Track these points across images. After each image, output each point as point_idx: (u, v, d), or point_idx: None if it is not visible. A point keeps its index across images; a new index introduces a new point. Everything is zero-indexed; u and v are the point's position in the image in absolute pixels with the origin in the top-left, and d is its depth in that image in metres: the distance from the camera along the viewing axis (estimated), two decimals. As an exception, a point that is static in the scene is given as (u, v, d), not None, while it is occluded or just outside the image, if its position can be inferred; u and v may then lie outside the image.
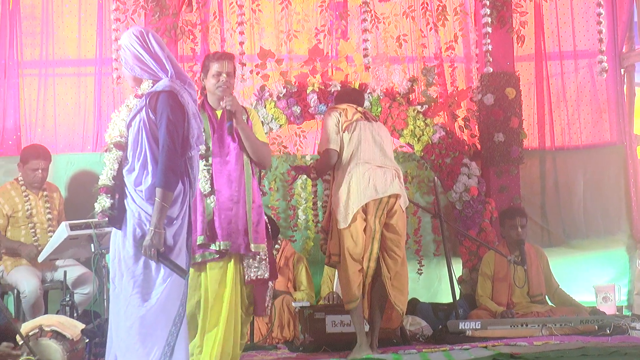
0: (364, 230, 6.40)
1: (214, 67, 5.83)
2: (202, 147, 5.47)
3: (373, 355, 6.35)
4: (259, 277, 5.65)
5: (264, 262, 5.69)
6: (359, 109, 6.72)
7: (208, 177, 5.62)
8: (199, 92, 5.91)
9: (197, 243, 5.50)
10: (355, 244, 6.38)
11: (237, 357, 5.67)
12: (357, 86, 8.42)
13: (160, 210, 4.58)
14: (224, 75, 5.79)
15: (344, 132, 6.53)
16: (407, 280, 6.58)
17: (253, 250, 5.63)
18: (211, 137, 5.71)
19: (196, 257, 5.50)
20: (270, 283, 5.80)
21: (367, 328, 6.59)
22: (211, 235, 5.56)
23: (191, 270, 5.18)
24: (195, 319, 5.57)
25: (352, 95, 7.05)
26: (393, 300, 6.43)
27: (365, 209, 6.39)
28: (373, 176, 6.41)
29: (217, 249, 5.55)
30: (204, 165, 5.62)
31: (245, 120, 5.82)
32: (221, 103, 5.74)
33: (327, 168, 6.61)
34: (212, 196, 5.60)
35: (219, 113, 5.81)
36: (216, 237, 5.57)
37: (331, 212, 6.52)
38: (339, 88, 8.31)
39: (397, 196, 6.43)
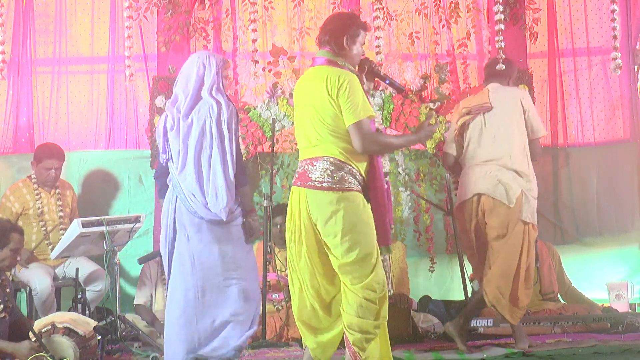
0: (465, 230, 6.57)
1: (363, 35, 5.34)
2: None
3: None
4: None
5: None
6: (465, 108, 6.70)
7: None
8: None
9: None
10: (468, 241, 6.62)
11: None
12: None
13: None
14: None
15: (456, 140, 6.70)
16: (506, 269, 6.42)
17: None
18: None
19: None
20: None
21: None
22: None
23: None
24: None
25: (489, 69, 6.98)
26: (484, 287, 6.45)
27: (461, 209, 6.57)
28: (467, 177, 6.51)
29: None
30: None
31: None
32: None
33: (449, 169, 7.01)
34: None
35: None
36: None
37: None
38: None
39: (484, 194, 6.42)
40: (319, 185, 5.00)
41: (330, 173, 5.00)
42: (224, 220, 5.64)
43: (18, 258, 6.09)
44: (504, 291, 6.40)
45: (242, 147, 7.94)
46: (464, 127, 6.64)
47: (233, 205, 5.69)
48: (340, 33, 5.22)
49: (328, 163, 5.02)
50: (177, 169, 5.69)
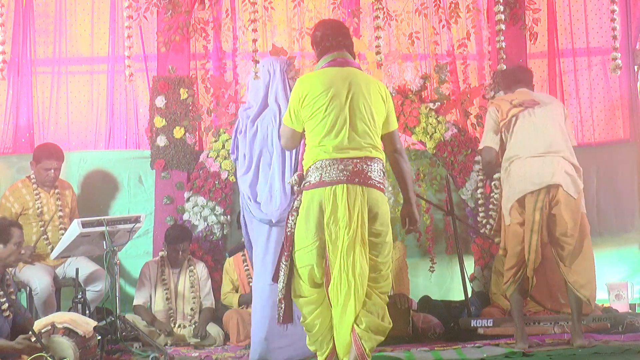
0: (522, 224, 6.40)
1: None
2: None
3: (384, 354, 6.36)
4: None
5: None
6: (515, 100, 6.63)
7: None
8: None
9: None
10: (513, 239, 6.43)
11: None
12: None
13: None
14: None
15: (502, 131, 6.59)
16: (591, 264, 6.47)
17: None
18: None
19: None
20: None
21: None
22: None
23: None
24: None
25: (515, 76, 6.96)
26: (572, 285, 6.38)
27: (522, 203, 6.40)
28: (529, 168, 6.39)
29: None
30: None
31: None
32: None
33: (489, 166, 6.70)
34: None
35: None
36: None
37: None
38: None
39: (557, 186, 6.36)
40: (379, 185, 5.06)
41: (382, 175, 5.11)
42: (273, 221, 5.82)
43: (22, 252, 6.14)
44: (593, 283, 6.49)
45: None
46: (511, 120, 6.60)
47: (287, 208, 5.72)
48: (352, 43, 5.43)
49: (381, 165, 5.12)
50: (241, 171, 5.98)
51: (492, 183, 6.87)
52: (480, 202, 8.39)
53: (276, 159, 5.85)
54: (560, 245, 6.40)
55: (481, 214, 8.30)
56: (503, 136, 6.61)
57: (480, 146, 6.75)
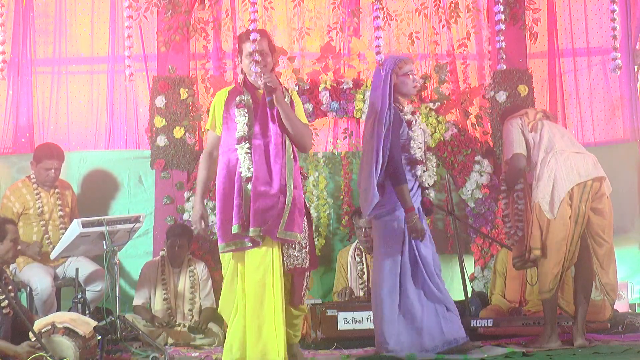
0: (569, 217, 6.39)
1: (246, 48, 5.79)
2: (244, 130, 5.61)
3: (385, 353, 6.34)
4: (297, 266, 5.59)
5: (304, 250, 5.63)
6: (539, 109, 6.83)
7: (250, 161, 5.56)
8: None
9: (232, 232, 5.49)
10: (564, 231, 6.39)
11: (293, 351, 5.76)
12: (369, 83, 8.44)
13: None
14: (257, 54, 5.66)
15: (530, 132, 6.61)
16: (615, 268, 6.58)
17: (286, 237, 5.52)
18: (254, 118, 5.67)
19: (230, 245, 5.56)
20: (307, 273, 5.75)
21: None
22: (247, 222, 5.49)
23: (230, 258, 5.63)
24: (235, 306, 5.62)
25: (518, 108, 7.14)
26: (604, 287, 6.44)
27: (570, 195, 6.39)
28: (574, 162, 6.45)
29: (250, 236, 5.49)
30: (247, 149, 5.59)
31: (288, 102, 5.73)
32: (259, 80, 5.68)
33: (518, 173, 6.64)
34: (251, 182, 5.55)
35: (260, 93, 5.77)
36: (249, 224, 5.48)
37: (530, 209, 6.60)
38: (351, 85, 8.38)
39: (601, 179, 6.44)
40: None
41: None
42: (367, 215, 6.20)
43: (19, 248, 6.16)
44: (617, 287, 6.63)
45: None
46: (538, 124, 6.62)
47: (373, 202, 6.06)
48: None
49: None
50: None
51: (515, 194, 6.72)
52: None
53: (366, 153, 6.23)
54: (598, 242, 6.46)
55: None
56: (530, 139, 6.60)
57: (508, 155, 6.66)
